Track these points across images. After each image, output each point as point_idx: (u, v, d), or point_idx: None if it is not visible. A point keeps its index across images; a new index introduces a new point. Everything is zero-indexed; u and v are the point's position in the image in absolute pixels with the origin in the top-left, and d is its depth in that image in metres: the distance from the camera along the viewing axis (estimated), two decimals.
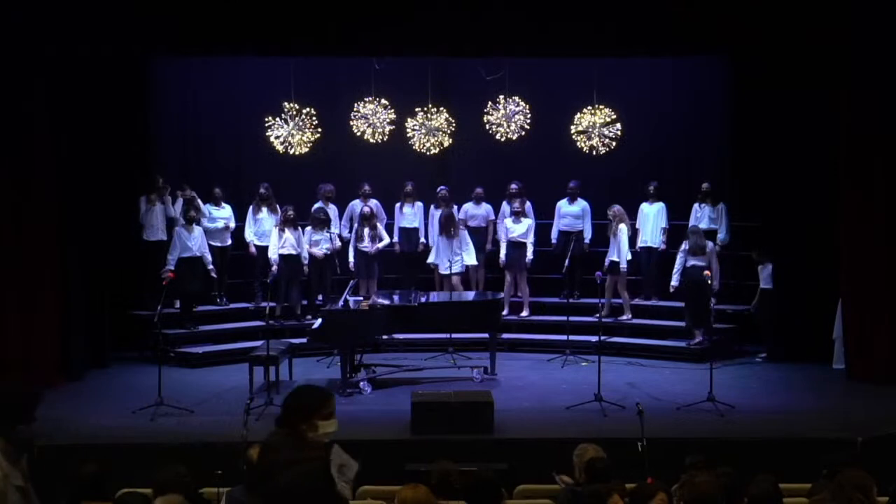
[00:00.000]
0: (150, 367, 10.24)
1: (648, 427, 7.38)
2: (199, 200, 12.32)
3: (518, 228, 12.64)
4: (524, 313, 12.84)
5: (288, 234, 12.30)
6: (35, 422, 3.93)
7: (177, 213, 12.29)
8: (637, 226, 12.81)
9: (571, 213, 12.91)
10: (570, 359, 11.66)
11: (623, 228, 12.37)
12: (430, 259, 12.66)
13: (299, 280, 12.46)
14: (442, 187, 12.83)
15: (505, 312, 12.47)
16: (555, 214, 13.02)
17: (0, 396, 3.97)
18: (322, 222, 12.35)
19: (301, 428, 4.14)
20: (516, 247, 12.64)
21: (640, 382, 10.75)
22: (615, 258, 12.32)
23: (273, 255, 12.29)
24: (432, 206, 12.86)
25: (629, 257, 12.37)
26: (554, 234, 13.04)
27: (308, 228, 12.43)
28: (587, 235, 12.80)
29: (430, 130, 12.12)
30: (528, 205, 12.99)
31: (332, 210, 12.79)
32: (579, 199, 12.91)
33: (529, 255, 12.67)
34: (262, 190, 12.57)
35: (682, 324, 12.03)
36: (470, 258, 12.56)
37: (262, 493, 4.02)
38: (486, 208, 12.98)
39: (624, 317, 12.50)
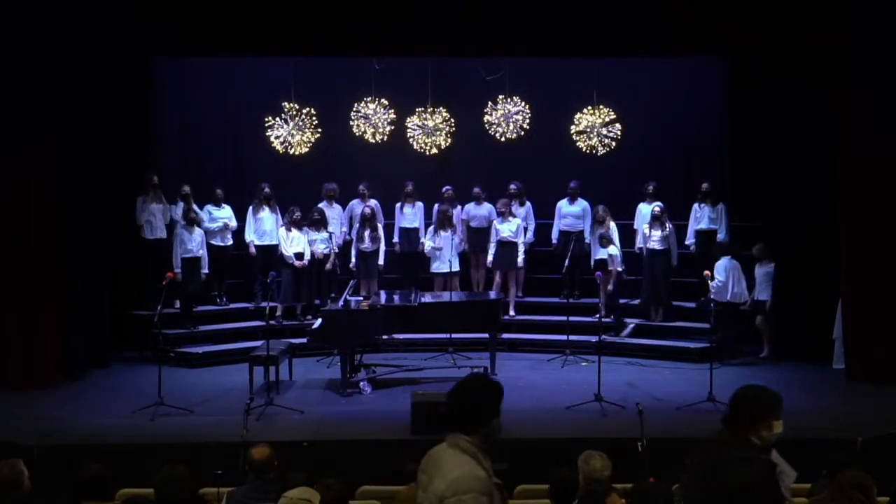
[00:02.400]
0: (150, 367, 10.24)
1: (648, 427, 7.38)
2: (196, 206, 12.29)
3: (505, 228, 12.63)
4: (511, 313, 12.82)
5: (295, 233, 12.34)
6: (498, 416, 3.87)
7: (178, 214, 12.31)
8: (635, 226, 12.81)
9: (572, 213, 12.91)
10: (570, 359, 11.66)
11: (614, 226, 12.39)
12: (429, 245, 12.60)
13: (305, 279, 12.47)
14: (447, 187, 12.84)
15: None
16: (555, 214, 13.02)
17: (474, 390, 3.90)
18: (318, 222, 12.36)
19: (756, 426, 4.24)
20: (505, 246, 12.63)
21: (640, 382, 10.75)
22: (605, 257, 12.36)
23: (287, 251, 12.31)
24: (436, 206, 12.85)
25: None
26: (554, 234, 13.04)
27: (305, 228, 12.44)
28: (588, 235, 12.79)
29: (429, 130, 12.11)
30: (528, 205, 13.02)
31: (336, 209, 12.81)
32: (580, 199, 12.91)
33: (521, 255, 12.67)
34: (267, 189, 12.58)
35: (681, 323, 12.15)
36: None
37: (705, 490, 4.06)
38: (487, 208, 12.95)
39: (609, 317, 12.35)
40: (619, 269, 12.16)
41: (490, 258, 12.75)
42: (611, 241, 12.20)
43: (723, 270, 11.58)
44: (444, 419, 3.89)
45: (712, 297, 11.45)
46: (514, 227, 12.64)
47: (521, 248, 12.68)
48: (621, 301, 12.62)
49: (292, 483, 5.43)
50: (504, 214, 12.63)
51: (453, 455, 3.78)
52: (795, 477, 4.28)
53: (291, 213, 12.39)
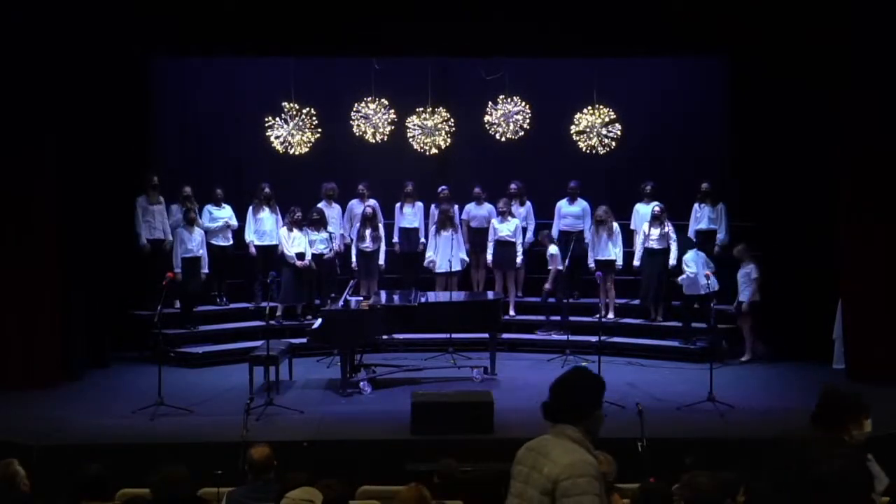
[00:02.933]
0: (150, 367, 10.24)
1: (648, 427, 7.38)
2: (196, 206, 12.29)
3: (503, 228, 12.64)
4: (511, 313, 12.81)
5: (296, 233, 12.34)
6: (600, 409, 3.98)
7: (175, 215, 12.32)
8: (632, 226, 12.80)
9: (572, 213, 12.91)
10: (570, 359, 11.64)
11: (616, 227, 12.41)
12: (429, 257, 12.64)
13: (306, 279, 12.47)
14: (443, 187, 12.84)
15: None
16: (555, 214, 13.02)
17: (579, 383, 4.01)
18: (317, 222, 12.35)
19: (847, 425, 4.29)
20: (503, 246, 12.64)
21: (640, 382, 10.74)
22: (608, 257, 12.38)
23: (288, 251, 12.30)
24: (433, 206, 12.86)
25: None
26: (554, 235, 13.02)
27: (305, 228, 12.43)
28: (588, 235, 12.77)
29: (429, 130, 12.10)
30: (528, 205, 13.03)
31: (336, 209, 12.82)
32: (579, 199, 12.90)
33: (520, 254, 12.67)
34: (267, 189, 12.58)
35: (678, 323, 12.17)
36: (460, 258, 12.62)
37: (795, 487, 4.03)
38: (487, 208, 12.96)
39: (608, 316, 12.32)
40: (560, 267, 12.23)
41: (489, 258, 12.76)
42: (552, 241, 12.42)
43: (692, 264, 11.70)
44: (547, 410, 3.99)
45: (685, 292, 11.71)
46: (512, 227, 12.63)
47: (520, 249, 12.67)
48: (619, 301, 12.65)
49: (293, 483, 5.43)
50: (504, 214, 12.63)
51: (562, 443, 3.91)
52: (887, 484, 4.27)
53: (293, 214, 12.39)
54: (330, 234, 12.39)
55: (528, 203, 13.05)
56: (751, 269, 11.66)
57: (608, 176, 13.26)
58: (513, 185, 12.93)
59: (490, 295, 12.02)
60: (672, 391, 10.30)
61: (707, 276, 10.87)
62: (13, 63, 10.26)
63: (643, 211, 12.69)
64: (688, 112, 13.28)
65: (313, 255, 12.38)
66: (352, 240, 12.76)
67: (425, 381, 10.75)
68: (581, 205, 12.88)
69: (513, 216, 12.70)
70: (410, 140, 12.18)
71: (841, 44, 10.48)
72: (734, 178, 12.73)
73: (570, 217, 12.90)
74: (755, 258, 11.68)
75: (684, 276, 11.71)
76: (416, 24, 10.48)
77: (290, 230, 12.37)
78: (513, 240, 12.64)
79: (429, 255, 12.64)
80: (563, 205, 12.97)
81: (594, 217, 12.58)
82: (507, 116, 12.13)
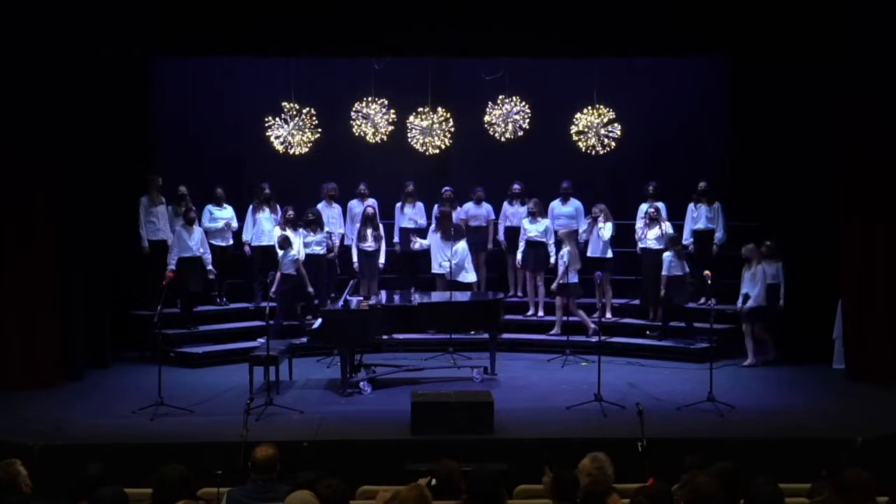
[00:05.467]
0: (150, 367, 10.24)
1: (648, 427, 7.38)
2: (193, 207, 12.28)
3: (533, 228, 12.64)
4: (540, 314, 12.78)
5: (289, 233, 12.32)
6: None
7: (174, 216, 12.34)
8: (636, 226, 12.80)
9: (565, 213, 12.92)
10: (570, 359, 11.67)
11: (609, 226, 12.41)
12: (422, 244, 12.74)
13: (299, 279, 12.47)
14: (447, 188, 12.84)
15: (531, 313, 12.84)
16: (548, 215, 13.01)
17: None
18: (313, 223, 12.34)
19: None
20: (534, 247, 12.63)
21: (640, 382, 10.75)
22: (599, 255, 12.39)
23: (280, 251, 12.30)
24: (436, 207, 12.86)
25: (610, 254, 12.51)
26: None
27: (301, 229, 12.42)
28: (582, 235, 12.74)
29: (428, 130, 12.10)
30: (528, 204, 13.02)
31: (337, 209, 12.81)
32: (572, 200, 12.93)
33: (553, 255, 12.61)
34: (268, 190, 12.57)
35: (681, 323, 12.11)
36: (470, 276, 12.50)
37: None
38: (486, 208, 13.00)
39: (606, 316, 12.30)
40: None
41: (519, 258, 12.73)
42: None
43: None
44: None
45: (450, 278, 12.18)
46: (542, 227, 12.63)
47: (552, 250, 12.61)
48: (618, 301, 12.65)
49: (302, 484, 5.41)
50: (534, 215, 12.63)
51: None
52: None
53: (285, 213, 12.38)
54: (329, 233, 12.38)
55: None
56: (565, 252, 11.95)
57: (608, 176, 13.27)
58: (515, 185, 12.94)
59: (490, 295, 12.02)
60: (672, 391, 10.30)
61: (707, 276, 10.85)
62: (13, 63, 10.25)
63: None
64: (688, 112, 13.30)
65: (310, 255, 12.35)
66: (352, 240, 12.75)
67: (425, 381, 10.74)
68: (574, 205, 12.90)
69: (543, 217, 12.67)
70: (410, 140, 12.18)
71: (841, 43, 10.48)
72: (734, 177, 12.74)
73: (564, 217, 12.91)
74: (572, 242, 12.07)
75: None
76: (416, 24, 10.48)
77: (283, 230, 12.34)
78: (543, 240, 12.61)
79: (424, 242, 12.64)
80: (556, 205, 12.99)
81: (590, 215, 12.59)
82: (507, 116, 12.13)
